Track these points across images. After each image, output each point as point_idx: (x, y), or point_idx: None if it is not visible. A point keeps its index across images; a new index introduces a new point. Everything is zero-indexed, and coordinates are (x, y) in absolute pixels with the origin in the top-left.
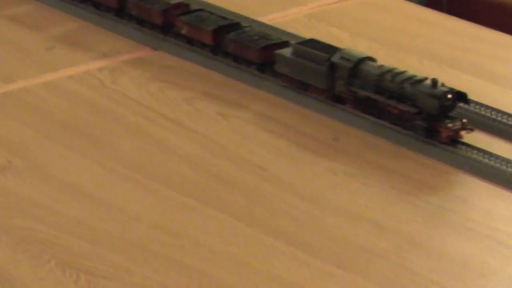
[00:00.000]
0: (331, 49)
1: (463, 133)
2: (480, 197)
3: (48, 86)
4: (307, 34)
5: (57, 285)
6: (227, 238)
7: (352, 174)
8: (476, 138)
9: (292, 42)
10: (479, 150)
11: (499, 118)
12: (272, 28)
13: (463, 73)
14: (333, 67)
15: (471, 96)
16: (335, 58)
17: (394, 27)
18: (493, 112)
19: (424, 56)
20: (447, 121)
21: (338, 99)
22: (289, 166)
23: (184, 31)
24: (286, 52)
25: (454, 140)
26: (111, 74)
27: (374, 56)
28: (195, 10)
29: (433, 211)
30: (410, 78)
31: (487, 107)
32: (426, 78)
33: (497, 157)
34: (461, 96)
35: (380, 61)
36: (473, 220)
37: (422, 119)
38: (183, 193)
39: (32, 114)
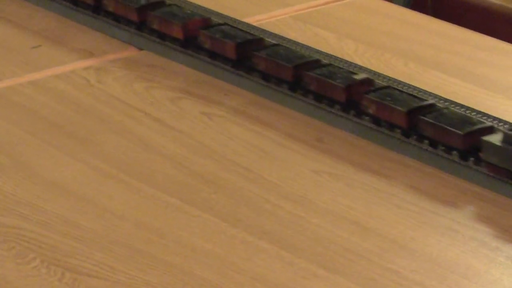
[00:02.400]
0: None
1: None
2: (466, 199)
3: (34, 85)
4: (294, 36)
5: (41, 282)
6: (211, 238)
7: (336, 175)
8: None
9: (499, 127)
10: None
11: None
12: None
13: (448, 76)
14: None
15: (457, 99)
16: None
17: (380, 29)
18: None
19: (409, 58)
20: None
21: None
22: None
23: (371, 110)
24: (495, 139)
25: None
26: (97, 73)
27: (361, 58)
28: (383, 88)
29: (417, 213)
30: None
31: None
32: None
33: None
34: None
35: (365, 64)
36: (457, 222)
37: None
38: (167, 193)
39: (17, 113)
